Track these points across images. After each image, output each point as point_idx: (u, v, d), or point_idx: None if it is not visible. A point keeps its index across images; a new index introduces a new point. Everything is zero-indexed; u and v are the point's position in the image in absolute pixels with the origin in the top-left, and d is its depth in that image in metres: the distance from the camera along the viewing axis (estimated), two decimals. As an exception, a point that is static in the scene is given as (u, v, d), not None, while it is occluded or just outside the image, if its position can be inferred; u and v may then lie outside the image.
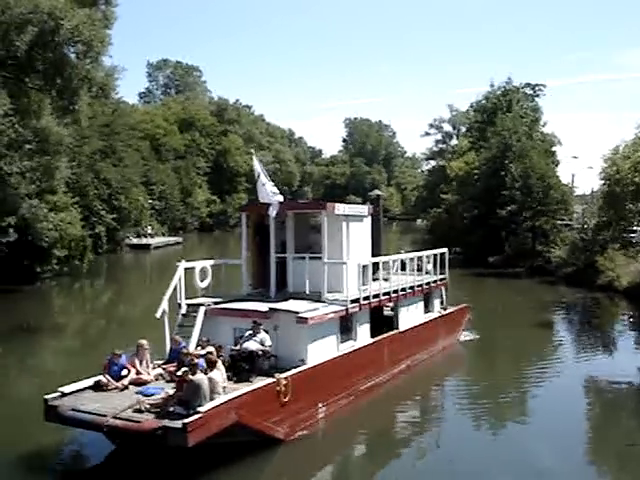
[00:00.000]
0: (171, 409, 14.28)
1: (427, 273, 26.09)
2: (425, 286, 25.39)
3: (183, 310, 19.52)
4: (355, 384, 20.11)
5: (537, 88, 78.00)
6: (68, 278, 49.08)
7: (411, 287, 24.16)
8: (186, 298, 19.75)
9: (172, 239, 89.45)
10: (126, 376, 16.61)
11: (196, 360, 15.59)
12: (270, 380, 16.55)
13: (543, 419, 19.46)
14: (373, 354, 21.37)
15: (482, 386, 23.50)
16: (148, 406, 14.68)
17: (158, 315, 18.73)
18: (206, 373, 15.13)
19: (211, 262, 21.48)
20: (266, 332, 17.92)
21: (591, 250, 48.49)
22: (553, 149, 71.60)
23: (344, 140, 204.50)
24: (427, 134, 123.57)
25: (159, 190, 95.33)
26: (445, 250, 27.86)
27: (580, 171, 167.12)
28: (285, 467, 16.06)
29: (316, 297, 19.81)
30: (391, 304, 23.50)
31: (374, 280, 21.91)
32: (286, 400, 16.57)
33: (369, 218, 23.24)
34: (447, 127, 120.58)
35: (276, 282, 21.01)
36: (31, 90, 39.73)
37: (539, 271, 53.79)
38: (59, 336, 29.56)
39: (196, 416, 13.90)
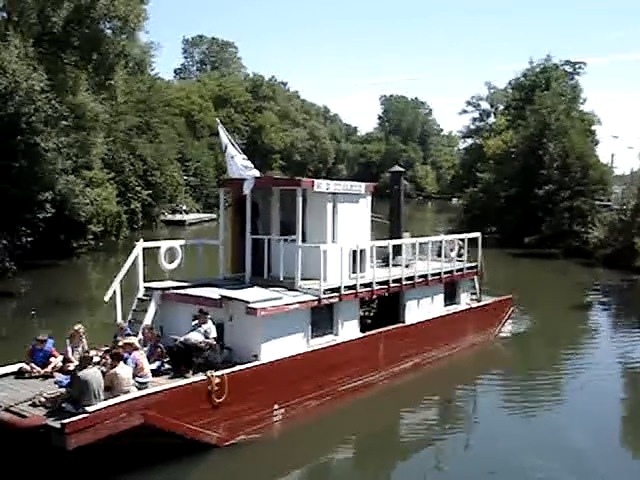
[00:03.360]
0: (63, 405, 12.95)
1: (449, 260, 23.46)
2: (445, 275, 22.77)
3: (140, 294, 18.10)
4: (333, 384, 18.01)
5: (577, 66, 76.82)
6: (104, 253, 49.50)
7: (422, 276, 21.66)
8: (150, 281, 18.41)
9: (206, 216, 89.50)
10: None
11: (121, 351, 14.39)
12: (199, 378, 14.83)
13: (584, 420, 18.12)
14: (362, 350, 19.07)
15: (509, 387, 21.42)
16: (44, 400, 13.34)
17: (107, 298, 17.40)
18: (112, 368, 13.75)
19: (181, 242, 19.96)
20: (214, 322, 16.22)
21: (630, 231, 47.71)
22: (592, 128, 70.57)
23: (379, 117, 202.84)
24: (464, 112, 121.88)
25: (194, 167, 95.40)
26: (477, 235, 25.47)
27: (620, 151, 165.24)
28: (215, 475, 14.56)
29: (290, 284, 18.08)
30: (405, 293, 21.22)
31: (393, 266, 20.49)
32: (220, 400, 14.75)
33: (367, 198, 20.61)
34: (485, 105, 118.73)
35: (253, 266, 19.01)
36: (67, 66, 39.91)
37: (576, 252, 53.03)
38: (93, 309, 29.76)
39: (80, 416, 12.37)
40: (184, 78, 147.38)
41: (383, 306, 21.79)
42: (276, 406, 16.40)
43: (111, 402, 12.99)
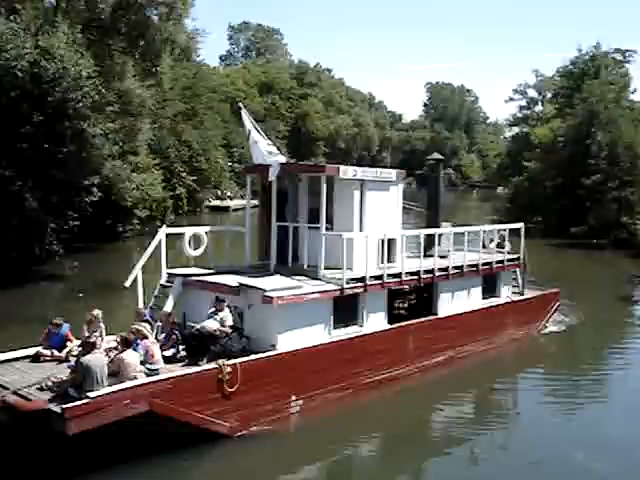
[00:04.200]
0: (68, 390, 12.89)
1: (489, 251, 22.85)
2: (483, 266, 21.98)
3: (162, 280, 18.11)
4: (356, 376, 17.53)
5: (627, 54, 75.39)
6: (149, 238, 50.04)
7: (457, 267, 20.97)
8: (177, 267, 18.49)
9: (251, 202, 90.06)
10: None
11: (132, 336, 14.34)
12: (210, 366, 14.62)
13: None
14: (389, 343, 18.52)
15: (551, 384, 20.62)
16: (51, 384, 13.31)
17: (127, 284, 17.31)
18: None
19: (207, 228, 19.82)
20: (231, 310, 16.14)
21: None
22: (642, 118, 69.09)
23: (425, 105, 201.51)
24: (511, 100, 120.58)
25: (238, 153, 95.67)
26: (520, 225, 24.37)
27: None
28: (226, 465, 14.25)
29: (314, 273, 17.63)
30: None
31: (427, 256, 19.97)
32: (232, 390, 14.49)
33: (399, 185, 19.89)
34: (532, 93, 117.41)
35: (278, 254, 18.71)
36: (114, 52, 40.33)
37: (624, 244, 51.94)
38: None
39: (80, 402, 12.31)
40: (229, 65, 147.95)
41: (419, 298, 21.34)
42: (293, 397, 15.98)
43: (114, 388, 12.87)
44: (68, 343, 15.52)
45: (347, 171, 18.32)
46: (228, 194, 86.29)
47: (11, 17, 31.47)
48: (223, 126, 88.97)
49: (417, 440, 16.24)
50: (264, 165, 18.04)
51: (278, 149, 18.63)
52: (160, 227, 18.94)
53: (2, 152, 31.14)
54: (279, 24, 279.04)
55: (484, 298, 22.62)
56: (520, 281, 24.73)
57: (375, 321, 18.49)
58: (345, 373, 17.16)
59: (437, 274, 20.18)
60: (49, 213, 32.87)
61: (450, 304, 21.09)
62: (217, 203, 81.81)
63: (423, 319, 20.08)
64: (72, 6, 39.32)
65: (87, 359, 12.95)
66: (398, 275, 18.92)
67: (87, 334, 15.30)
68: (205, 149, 72.62)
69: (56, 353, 15.26)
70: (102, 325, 15.90)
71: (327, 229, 17.91)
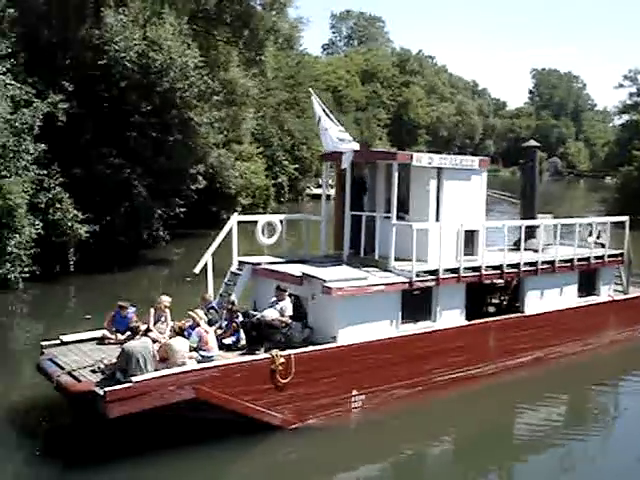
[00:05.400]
0: (116, 374, 13.05)
1: (586, 246, 21.28)
2: (579, 262, 20.50)
3: (233, 267, 17.94)
4: (427, 373, 16.82)
5: None
6: (252, 225, 50.87)
7: (548, 262, 19.64)
8: (247, 255, 18.23)
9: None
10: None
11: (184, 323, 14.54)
12: (263, 356, 14.36)
13: None
14: (466, 340, 17.65)
15: None
16: (103, 367, 13.53)
17: (197, 270, 17.26)
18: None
19: (281, 217, 19.52)
20: (292, 300, 15.99)
21: None
22: None
23: (530, 92, 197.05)
24: (621, 86, 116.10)
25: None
26: (624, 218, 22.56)
27: None
28: (278, 457, 14.10)
29: (385, 264, 16.87)
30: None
31: (525, 249, 19.07)
32: (286, 381, 14.21)
33: (482, 174, 18.58)
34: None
35: (352, 244, 18.10)
36: (219, 43, 41.01)
37: None
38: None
39: (122, 386, 12.39)
40: (331, 53, 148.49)
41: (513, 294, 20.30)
42: (355, 392, 15.54)
43: (159, 374, 12.89)
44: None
45: (422, 158, 17.49)
46: (330, 182, 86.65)
47: (120, 10, 32.44)
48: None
49: (495, 444, 15.41)
50: (338, 152, 17.57)
51: (352, 138, 18.11)
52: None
53: (113, 141, 32.26)
54: (381, 12, 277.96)
55: (580, 296, 21.18)
56: (624, 279, 22.97)
57: (450, 317, 17.55)
58: (414, 370, 16.51)
59: (523, 269, 19.00)
60: (156, 200, 33.90)
61: (539, 301, 19.82)
62: (318, 191, 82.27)
63: (507, 316, 19.23)
64: (179, -2, 40.23)
65: (129, 344, 13.11)
66: (477, 269, 17.99)
67: (153, 320, 15.63)
68: (307, 137, 73.15)
69: (120, 337, 15.43)
70: (168, 312, 15.95)
71: (403, 219, 17.32)
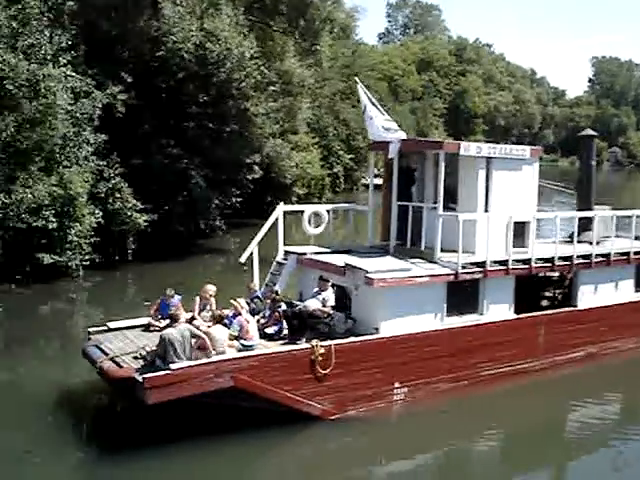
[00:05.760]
0: (156, 361, 13.16)
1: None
2: (637, 255, 19.66)
3: (279, 257, 17.88)
4: (472, 367, 16.45)
5: None
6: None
7: (603, 255, 18.89)
8: (300, 245, 18.16)
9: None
10: None
11: (225, 312, 14.68)
12: (302, 346, 14.29)
13: None
14: (514, 334, 17.15)
15: None
16: (145, 353, 13.66)
17: (242, 260, 17.36)
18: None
19: (328, 206, 19.26)
20: (334, 290, 15.70)
21: None
22: None
23: (590, 80, 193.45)
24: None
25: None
26: None
27: None
28: (318, 447, 14.03)
29: (430, 256, 16.52)
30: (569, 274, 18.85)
31: (579, 242, 18.50)
32: (326, 372, 14.11)
33: (534, 164, 17.93)
34: None
35: (399, 235, 17.70)
36: (275, 33, 41.19)
37: None
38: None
39: (161, 372, 12.54)
40: (387, 42, 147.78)
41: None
42: (397, 384, 15.31)
43: (197, 362, 12.95)
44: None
45: (470, 147, 16.97)
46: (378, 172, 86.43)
47: (177, 1, 32.80)
48: (380, 104, 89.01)
49: (542, 441, 14.75)
50: (384, 142, 17.25)
51: (399, 126, 17.85)
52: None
53: (171, 132, 32.71)
54: (437, 0, 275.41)
55: (637, 290, 20.35)
56: None
57: (498, 310, 17.09)
58: (459, 364, 16.19)
59: (576, 262, 18.37)
60: (213, 190, 34.28)
61: (593, 295, 19.12)
62: (375, 181, 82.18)
63: (558, 310, 18.69)
64: (235, -12, 40.53)
65: (168, 332, 13.15)
66: (527, 261, 17.46)
67: (198, 308, 15.74)
68: (362, 127, 72.94)
69: (159, 323, 15.58)
70: (213, 300, 16.01)
71: (451, 209, 16.92)
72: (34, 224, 24.79)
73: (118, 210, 29.33)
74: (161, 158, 31.99)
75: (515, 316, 17.38)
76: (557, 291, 20.04)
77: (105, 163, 29.07)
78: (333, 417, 14.44)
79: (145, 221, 30.06)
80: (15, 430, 13.88)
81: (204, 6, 34.47)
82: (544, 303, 19.69)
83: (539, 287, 19.75)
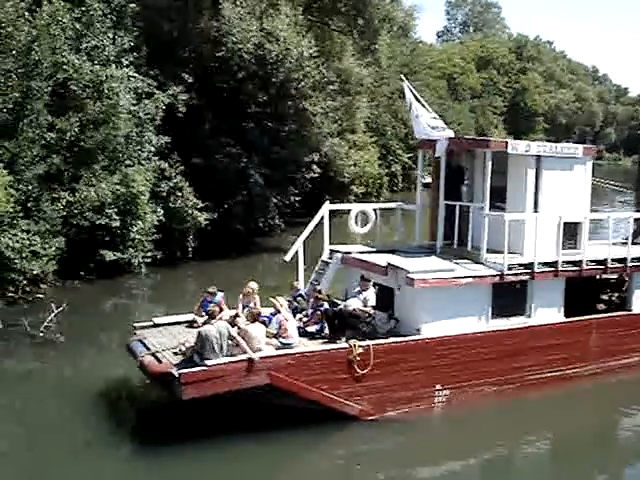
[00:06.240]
0: (194, 357, 13.22)
1: None
2: None
3: (324, 256, 17.78)
4: (519, 371, 16.00)
5: None
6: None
7: None
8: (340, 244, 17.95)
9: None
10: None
11: (261, 310, 14.67)
12: (340, 346, 14.21)
13: None
14: (564, 338, 16.57)
15: None
16: (184, 349, 13.73)
17: (287, 258, 17.29)
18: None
19: (375, 205, 19.10)
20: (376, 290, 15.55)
21: None
22: None
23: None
24: None
25: (455, 130, 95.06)
26: None
27: None
28: (353, 448, 13.97)
29: (476, 257, 16.21)
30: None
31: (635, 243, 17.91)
32: (364, 372, 13.97)
33: (587, 163, 17.43)
34: None
35: (446, 235, 17.43)
36: (334, 32, 41.34)
37: None
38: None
39: (197, 369, 12.67)
40: (446, 41, 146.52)
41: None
42: (438, 386, 15.02)
43: (232, 359, 13.00)
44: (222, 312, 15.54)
45: (518, 146, 16.58)
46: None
47: (237, 2, 33.15)
48: (439, 103, 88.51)
49: (592, 449, 14.50)
50: (432, 140, 17.01)
51: (446, 124, 17.62)
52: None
53: (230, 131, 33.07)
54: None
55: None
56: None
57: (547, 313, 16.62)
58: (505, 367, 15.78)
59: (630, 264, 17.74)
60: (272, 189, 34.52)
61: None
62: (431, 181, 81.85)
63: (612, 314, 18.08)
64: (294, -11, 40.82)
65: (205, 328, 13.21)
66: (578, 263, 16.92)
67: (241, 305, 15.68)
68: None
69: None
70: (257, 297, 15.92)
71: (501, 209, 16.60)
72: (97, 222, 25.34)
73: (179, 208, 29.80)
74: (221, 157, 32.37)
75: (565, 319, 16.91)
76: (614, 294, 19.45)
77: (166, 162, 29.55)
78: (371, 418, 14.31)
79: (205, 219, 30.46)
80: (76, 422, 14.26)
81: (263, 6, 34.82)
82: (601, 306, 19.11)
83: (596, 289, 19.22)
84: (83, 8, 26.66)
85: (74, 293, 24.33)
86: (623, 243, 18.62)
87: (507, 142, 16.69)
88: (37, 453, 13.17)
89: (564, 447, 14.87)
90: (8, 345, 19.40)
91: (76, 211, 25.08)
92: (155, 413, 14.91)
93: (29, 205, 23.55)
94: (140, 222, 27.07)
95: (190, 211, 29.95)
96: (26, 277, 22.87)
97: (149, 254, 27.80)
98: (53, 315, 20.29)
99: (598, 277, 18.63)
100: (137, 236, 27.04)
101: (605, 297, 19.40)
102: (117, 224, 25.90)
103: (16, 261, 21.96)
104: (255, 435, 13.16)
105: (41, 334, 19.52)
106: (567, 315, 16.98)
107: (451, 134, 17.14)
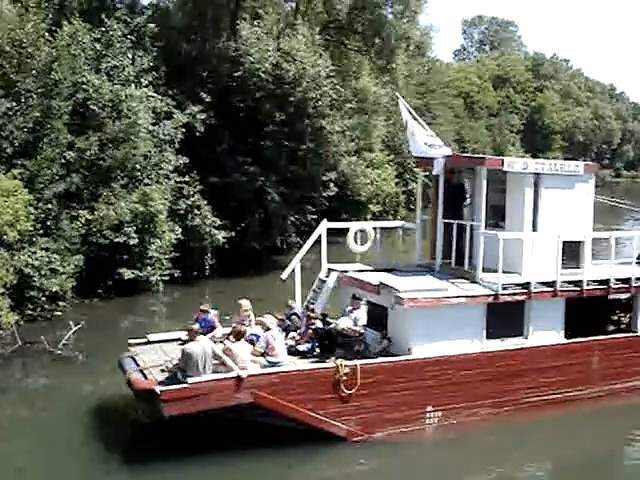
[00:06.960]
0: (178, 374, 13.13)
1: None
2: None
3: (322, 274, 17.54)
4: (516, 393, 15.53)
5: None
6: (384, 232, 51.17)
7: None
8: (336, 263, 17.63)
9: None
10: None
11: (244, 328, 14.30)
12: (327, 365, 13.98)
13: None
14: (564, 360, 16.09)
15: None
16: (170, 366, 13.67)
17: (284, 276, 17.18)
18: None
19: (374, 224, 18.95)
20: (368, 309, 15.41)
21: None
22: None
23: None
24: None
25: (472, 148, 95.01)
26: None
27: None
28: (337, 470, 13.59)
29: (473, 276, 15.88)
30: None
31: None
32: (351, 392, 13.72)
33: (589, 181, 17.01)
34: None
35: (444, 254, 17.01)
36: (351, 52, 41.61)
37: None
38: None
39: (177, 386, 12.59)
40: (463, 59, 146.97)
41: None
42: (429, 408, 14.67)
43: (214, 376, 12.94)
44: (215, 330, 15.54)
45: (514, 164, 16.24)
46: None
47: (255, 22, 33.44)
48: (456, 121, 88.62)
49: (592, 475, 13.98)
50: (429, 158, 16.74)
51: (446, 145, 17.40)
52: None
53: (248, 150, 33.23)
54: (513, 16, 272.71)
55: None
56: None
57: (545, 334, 16.17)
58: (501, 389, 15.36)
59: (635, 284, 17.17)
60: (289, 207, 34.61)
61: None
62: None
63: (615, 336, 17.58)
64: (311, 9, 41.11)
65: (188, 346, 13.15)
66: (579, 283, 16.49)
67: (235, 323, 15.43)
68: (438, 144, 72.83)
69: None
70: (252, 314, 15.82)
71: (499, 228, 16.37)
72: (116, 240, 25.49)
73: (197, 227, 29.94)
74: (238, 176, 32.48)
75: (565, 341, 16.43)
76: (624, 315, 18.94)
77: (185, 181, 29.73)
78: (359, 439, 14.04)
79: (223, 237, 30.57)
80: (93, 439, 14.26)
81: (281, 27, 35.13)
82: (610, 327, 18.63)
83: (606, 310, 18.79)
84: (103, 29, 27.02)
85: (92, 311, 24.47)
86: (638, 263, 18.20)
87: (503, 160, 16.40)
88: (54, 470, 13.21)
89: (559, 473, 14.56)
90: (27, 362, 19.54)
91: (95, 229, 25.26)
92: (164, 430, 14.89)
93: (48, 223, 23.74)
94: (158, 240, 27.22)
95: (208, 229, 30.07)
96: (45, 295, 23.00)
97: (167, 272, 27.90)
98: (71, 332, 20.45)
99: (609, 297, 18.14)
100: (155, 254, 27.19)
101: (615, 318, 18.99)
102: (135, 242, 26.05)
103: (35, 279, 22.12)
104: (244, 453, 13.09)
105: (59, 351, 19.65)
106: (571, 336, 16.55)
107: (448, 152, 16.97)
